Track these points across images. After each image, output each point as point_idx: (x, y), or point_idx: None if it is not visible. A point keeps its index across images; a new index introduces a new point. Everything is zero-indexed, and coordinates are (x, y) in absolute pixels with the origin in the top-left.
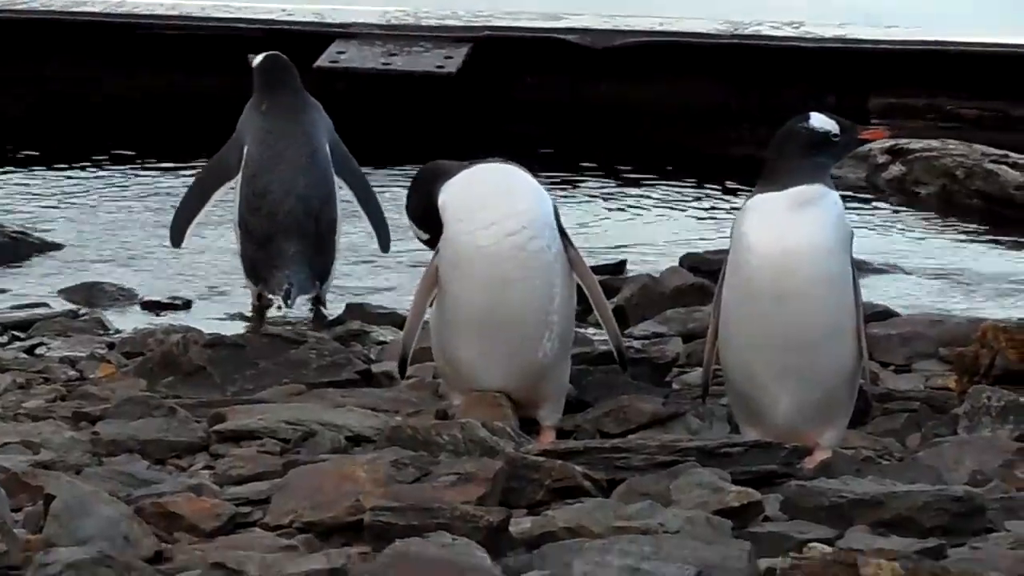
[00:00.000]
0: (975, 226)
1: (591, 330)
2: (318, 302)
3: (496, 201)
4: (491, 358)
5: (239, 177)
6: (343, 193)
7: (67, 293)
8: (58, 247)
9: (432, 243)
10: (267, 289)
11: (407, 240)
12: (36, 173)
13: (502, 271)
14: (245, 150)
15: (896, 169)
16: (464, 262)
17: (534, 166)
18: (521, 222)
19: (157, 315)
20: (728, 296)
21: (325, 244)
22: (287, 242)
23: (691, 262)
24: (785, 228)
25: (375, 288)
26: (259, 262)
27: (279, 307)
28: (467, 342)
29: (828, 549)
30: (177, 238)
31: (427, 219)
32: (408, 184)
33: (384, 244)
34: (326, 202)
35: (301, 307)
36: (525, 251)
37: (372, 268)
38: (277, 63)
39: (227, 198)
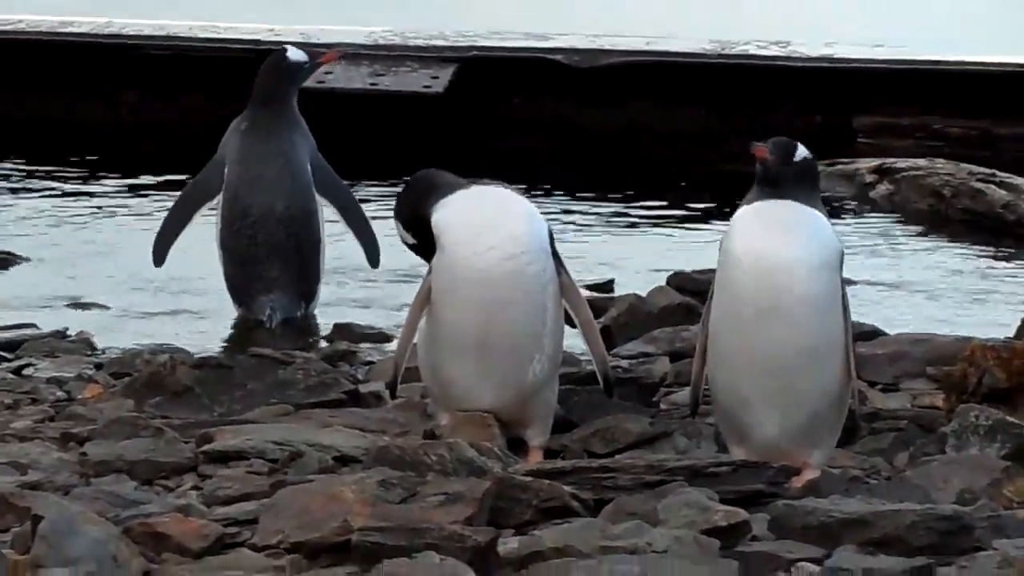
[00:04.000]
0: (962, 245)
1: (579, 350)
2: (305, 321)
3: (493, 224)
4: (482, 379)
5: (220, 198)
6: (330, 211)
7: (56, 313)
8: (42, 267)
9: (418, 248)
10: (250, 312)
11: (397, 255)
12: (20, 193)
13: (499, 294)
14: (225, 171)
15: (884, 188)
16: (460, 284)
17: (521, 185)
18: (518, 246)
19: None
20: (715, 313)
21: (308, 266)
22: (268, 265)
23: (678, 282)
24: (771, 245)
25: (363, 306)
26: (242, 285)
27: (266, 327)
28: (459, 363)
29: (816, 568)
30: (159, 257)
31: (415, 225)
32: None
33: (373, 260)
34: (307, 223)
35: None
36: (522, 275)
37: (360, 286)
38: (272, 70)
39: (211, 217)
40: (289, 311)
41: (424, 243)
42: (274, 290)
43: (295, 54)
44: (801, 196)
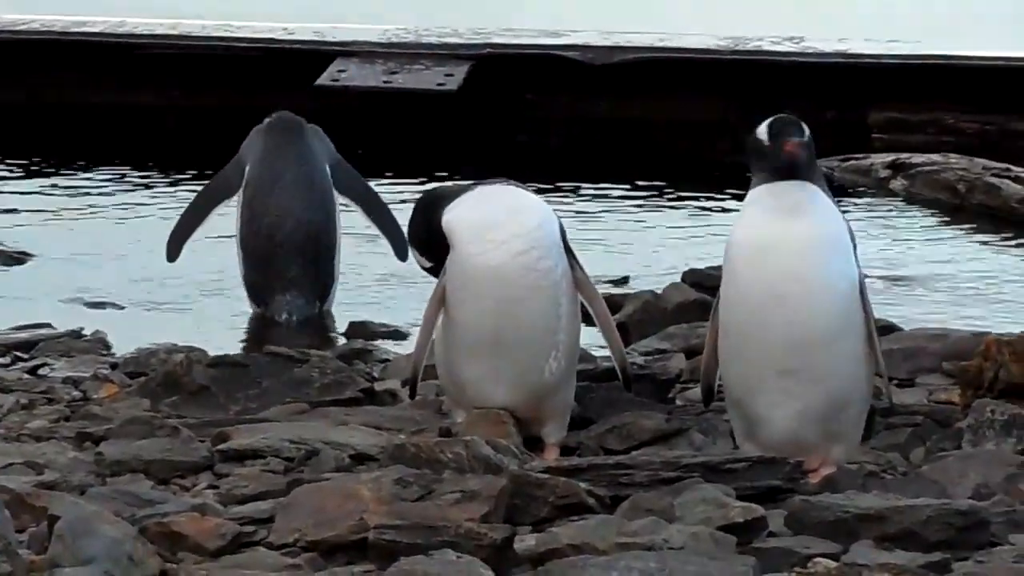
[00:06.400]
0: (977, 240)
1: (594, 347)
2: (320, 319)
3: (504, 221)
4: (497, 377)
5: (239, 198)
6: (352, 211)
7: (70, 312)
8: (56, 265)
9: (435, 271)
10: (268, 312)
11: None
12: (33, 193)
13: (511, 291)
14: (246, 170)
15: (898, 183)
16: (473, 282)
17: (536, 183)
18: (529, 242)
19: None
20: (724, 302)
21: (325, 266)
22: (287, 265)
23: (693, 278)
24: (775, 228)
25: (379, 303)
26: (260, 285)
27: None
28: (474, 361)
29: (833, 564)
30: (173, 253)
31: (430, 245)
32: (411, 203)
33: (400, 253)
34: (325, 224)
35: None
36: (534, 271)
37: (376, 283)
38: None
39: (228, 215)
40: (305, 311)
41: (441, 264)
42: (291, 290)
43: None
44: (807, 175)
